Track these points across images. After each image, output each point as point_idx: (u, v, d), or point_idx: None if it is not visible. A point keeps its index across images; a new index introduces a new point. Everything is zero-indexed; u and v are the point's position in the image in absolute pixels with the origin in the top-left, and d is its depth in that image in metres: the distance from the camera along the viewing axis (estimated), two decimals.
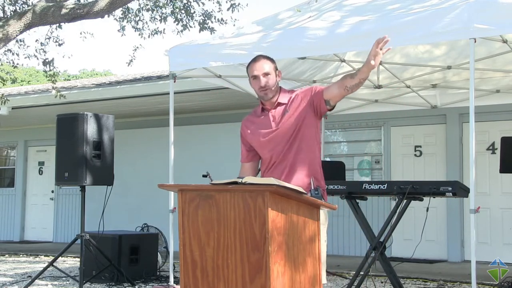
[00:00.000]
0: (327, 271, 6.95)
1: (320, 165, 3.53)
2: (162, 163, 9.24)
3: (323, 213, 3.29)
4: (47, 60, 8.83)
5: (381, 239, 4.96)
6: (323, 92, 3.41)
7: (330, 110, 3.48)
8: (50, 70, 8.85)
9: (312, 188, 3.31)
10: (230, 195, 2.86)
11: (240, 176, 3.57)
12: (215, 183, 2.92)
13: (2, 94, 9.04)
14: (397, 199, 4.84)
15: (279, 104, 3.49)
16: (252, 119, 3.63)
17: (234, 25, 8.71)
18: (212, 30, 8.80)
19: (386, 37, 3.23)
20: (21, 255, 9.99)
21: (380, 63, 6.94)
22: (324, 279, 3.25)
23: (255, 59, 3.52)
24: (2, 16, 8.25)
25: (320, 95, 3.41)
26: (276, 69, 3.50)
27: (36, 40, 9.09)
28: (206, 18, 8.87)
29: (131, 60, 9.28)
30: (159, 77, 9.83)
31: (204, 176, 3.34)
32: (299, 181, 3.36)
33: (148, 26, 9.36)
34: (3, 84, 10.51)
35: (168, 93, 6.05)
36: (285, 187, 2.82)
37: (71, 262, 8.78)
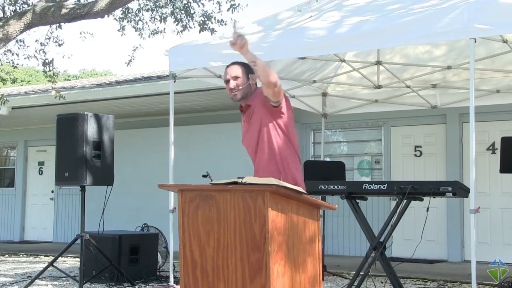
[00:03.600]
0: (327, 271, 7.00)
1: (289, 163, 3.53)
2: (162, 163, 9.25)
3: None
4: (47, 61, 8.83)
5: (381, 239, 4.96)
6: (263, 90, 3.52)
7: (276, 106, 3.52)
8: (50, 71, 8.84)
9: None
10: (230, 195, 2.86)
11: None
12: (215, 183, 2.93)
13: (2, 95, 9.04)
14: (397, 199, 4.83)
15: (248, 106, 3.63)
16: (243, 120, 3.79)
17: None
18: (212, 30, 8.79)
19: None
20: (21, 255, 9.98)
21: (380, 63, 6.95)
22: None
23: (228, 65, 3.69)
24: (2, 16, 8.24)
25: (263, 93, 3.52)
26: (248, 73, 3.62)
27: (36, 40, 9.08)
28: (206, 19, 8.86)
29: (130, 61, 9.27)
30: (159, 77, 9.82)
31: (204, 176, 3.35)
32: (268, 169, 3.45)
33: (148, 26, 9.36)
34: (4, 84, 10.50)
35: (168, 93, 6.05)
36: (285, 187, 2.82)
37: (71, 262, 8.77)
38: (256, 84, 3.67)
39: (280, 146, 3.52)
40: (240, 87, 3.58)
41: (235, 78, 3.60)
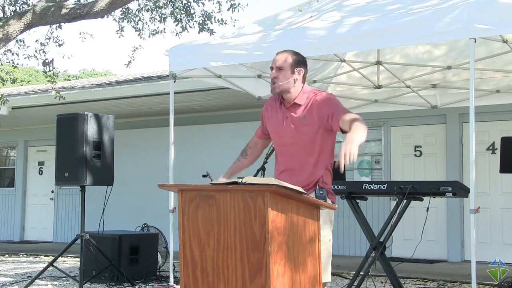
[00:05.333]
0: None
1: (330, 169, 3.45)
2: (162, 163, 9.25)
3: (326, 213, 3.28)
4: (47, 61, 8.83)
5: (381, 239, 4.96)
6: (339, 121, 3.29)
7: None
8: (49, 71, 8.85)
9: (317, 188, 3.31)
10: (230, 195, 2.86)
11: (248, 145, 3.67)
12: (215, 183, 2.93)
13: (2, 95, 9.04)
14: (397, 199, 4.84)
15: (296, 104, 3.40)
16: (274, 104, 3.52)
17: (234, 25, 8.71)
18: (211, 31, 8.80)
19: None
20: (21, 255, 9.98)
21: (380, 63, 6.96)
22: (329, 278, 3.30)
23: (278, 52, 3.45)
24: (2, 16, 8.25)
25: (336, 124, 3.30)
26: (295, 66, 3.37)
27: (36, 41, 9.08)
28: (206, 19, 8.86)
29: (129, 61, 9.28)
30: (159, 77, 9.83)
31: (204, 176, 3.34)
32: (304, 179, 3.34)
33: (148, 26, 9.36)
34: (3, 84, 10.51)
35: (168, 93, 6.05)
36: (285, 187, 2.82)
37: (71, 262, 8.77)
38: (304, 78, 3.40)
39: (328, 156, 3.45)
40: (280, 82, 3.34)
41: (279, 69, 3.35)
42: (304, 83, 3.45)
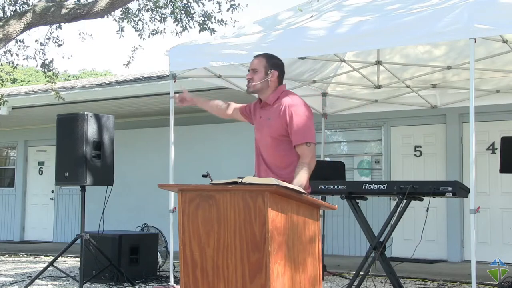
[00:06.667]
0: (327, 271, 7.00)
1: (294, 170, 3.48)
2: (162, 163, 9.25)
3: None
4: (46, 62, 8.83)
5: (381, 239, 4.96)
6: (295, 144, 3.48)
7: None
8: (49, 71, 8.84)
9: None
10: (230, 195, 2.87)
11: (229, 102, 4.00)
12: (215, 183, 2.93)
13: (2, 95, 9.03)
14: (397, 199, 4.84)
15: (267, 104, 3.65)
16: (257, 103, 3.80)
17: (234, 26, 8.71)
18: (212, 31, 8.80)
19: None
20: (21, 255, 9.98)
21: (380, 63, 6.96)
22: None
23: (255, 56, 3.71)
24: (2, 16, 8.25)
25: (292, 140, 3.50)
26: (269, 69, 3.61)
27: (36, 41, 9.07)
28: (206, 19, 8.87)
29: (128, 62, 9.27)
30: (159, 77, 9.82)
31: (204, 176, 3.35)
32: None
33: (148, 26, 9.37)
34: (2, 86, 10.50)
35: (168, 93, 6.06)
36: (285, 187, 2.82)
37: (71, 262, 8.77)
38: (278, 80, 3.65)
39: (291, 158, 3.55)
40: (253, 83, 3.61)
41: (253, 71, 3.63)
42: (280, 84, 3.68)
